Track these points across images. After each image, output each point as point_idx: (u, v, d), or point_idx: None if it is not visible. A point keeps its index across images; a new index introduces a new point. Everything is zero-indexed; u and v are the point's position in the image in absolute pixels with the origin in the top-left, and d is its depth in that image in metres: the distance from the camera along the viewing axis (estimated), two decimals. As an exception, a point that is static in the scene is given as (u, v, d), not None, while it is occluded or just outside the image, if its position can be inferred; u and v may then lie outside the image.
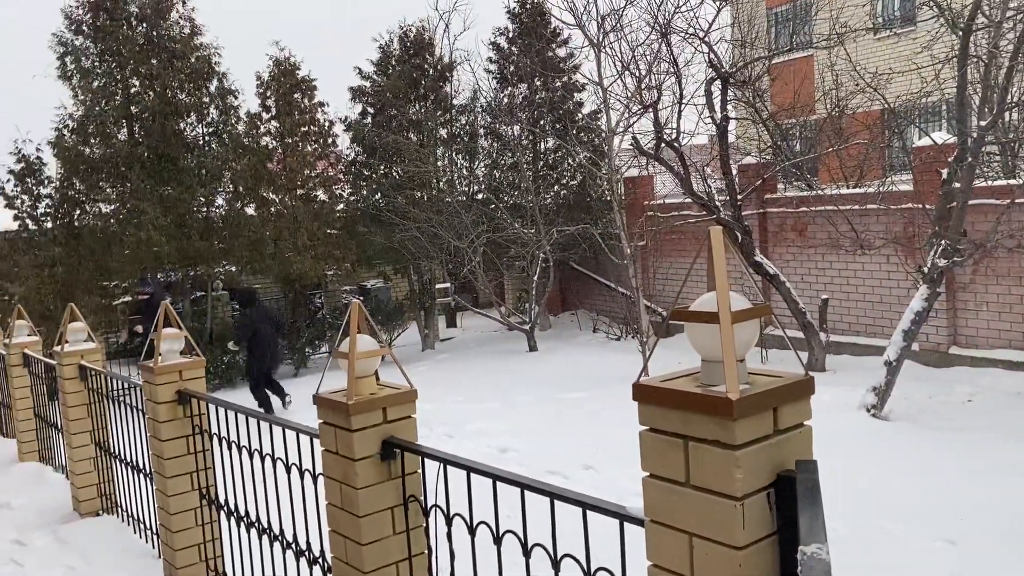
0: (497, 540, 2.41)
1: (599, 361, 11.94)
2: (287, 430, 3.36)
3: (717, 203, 10.60)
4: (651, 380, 1.79)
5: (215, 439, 4.19)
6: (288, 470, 3.43)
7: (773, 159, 12.09)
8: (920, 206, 9.74)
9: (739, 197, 10.45)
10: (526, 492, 2.27)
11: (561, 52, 15.82)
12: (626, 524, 1.98)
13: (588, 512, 2.09)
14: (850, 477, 5.80)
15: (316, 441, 3.10)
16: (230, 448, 3.94)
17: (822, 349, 10.44)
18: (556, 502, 2.19)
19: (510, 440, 7.83)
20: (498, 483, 2.38)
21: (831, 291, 11.35)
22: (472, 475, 2.47)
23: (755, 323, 1.76)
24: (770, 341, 11.90)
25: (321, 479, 3.07)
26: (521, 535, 2.31)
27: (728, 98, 10.23)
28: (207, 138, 13.96)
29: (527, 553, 2.29)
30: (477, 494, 2.51)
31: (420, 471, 2.85)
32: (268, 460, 3.57)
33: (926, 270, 8.06)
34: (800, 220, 11.86)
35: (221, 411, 3.96)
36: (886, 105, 8.31)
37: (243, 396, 12.09)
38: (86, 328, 5.84)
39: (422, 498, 2.83)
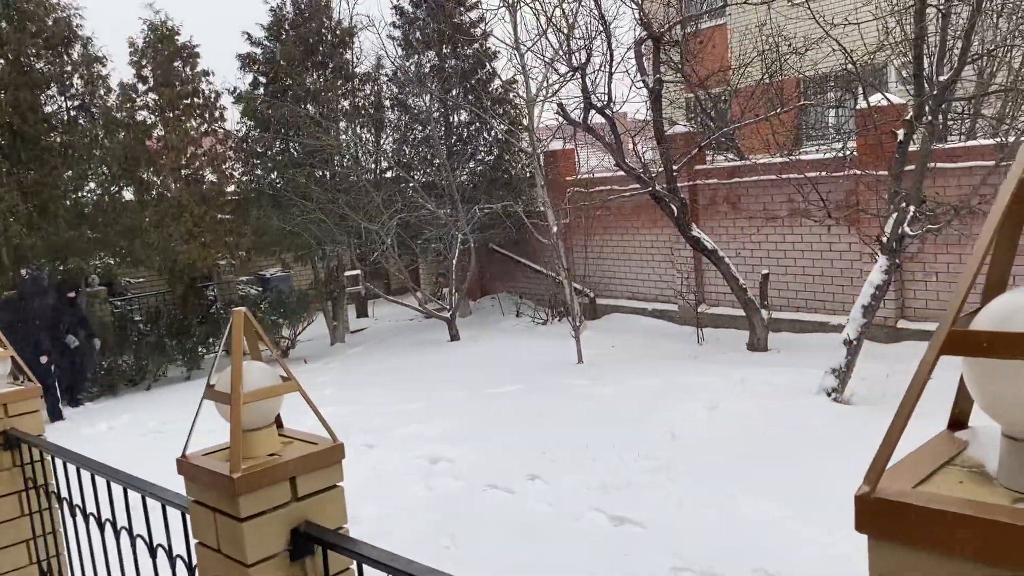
0: None
1: (528, 349, 11.02)
2: (148, 498, 2.27)
3: (651, 174, 9.80)
4: (892, 491, 0.82)
5: (54, 497, 3.06)
6: (153, 553, 2.35)
7: (705, 128, 11.37)
8: (863, 172, 9.20)
9: (674, 168, 9.67)
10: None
11: (473, 15, 14.69)
12: None
13: None
14: (833, 476, 5.04)
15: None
16: (73, 514, 2.82)
17: (764, 327, 9.81)
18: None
19: (441, 448, 6.82)
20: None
21: (767, 265, 10.74)
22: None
23: None
24: (704, 319, 11.26)
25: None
26: None
27: (660, 60, 9.41)
28: (73, 113, 12.26)
29: None
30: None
31: (354, 569, 1.82)
32: (124, 534, 2.49)
33: (885, 240, 7.44)
34: (732, 191, 11.21)
35: (59, 462, 2.83)
36: (850, 62, 7.60)
37: (130, 403, 10.62)
38: None
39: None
